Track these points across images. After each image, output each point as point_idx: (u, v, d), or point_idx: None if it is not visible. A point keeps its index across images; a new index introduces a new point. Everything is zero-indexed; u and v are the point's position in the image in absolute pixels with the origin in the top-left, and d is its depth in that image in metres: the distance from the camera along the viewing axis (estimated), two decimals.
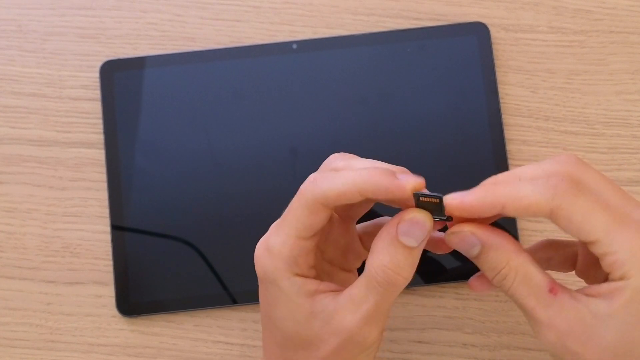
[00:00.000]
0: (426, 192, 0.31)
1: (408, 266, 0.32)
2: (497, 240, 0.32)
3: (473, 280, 0.36)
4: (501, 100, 0.48)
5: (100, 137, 0.49)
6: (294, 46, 0.49)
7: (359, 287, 0.32)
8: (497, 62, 0.49)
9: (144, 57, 0.49)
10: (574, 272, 0.37)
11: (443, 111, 0.48)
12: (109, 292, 0.47)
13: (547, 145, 0.48)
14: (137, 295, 0.46)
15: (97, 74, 0.49)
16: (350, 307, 0.32)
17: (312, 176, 0.33)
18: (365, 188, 0.31)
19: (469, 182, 0.47)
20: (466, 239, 0.32)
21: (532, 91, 0.49)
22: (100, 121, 0.49)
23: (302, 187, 0.33)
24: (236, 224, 0.47)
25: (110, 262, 0.47)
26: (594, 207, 0.30)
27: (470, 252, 0.32)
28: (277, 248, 0.33)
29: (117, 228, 0.47)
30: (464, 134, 0.47)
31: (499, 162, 0.47)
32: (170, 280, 0.46)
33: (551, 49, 0.49)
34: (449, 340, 0.46)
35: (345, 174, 0.32)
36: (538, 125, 0.48)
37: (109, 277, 0.47)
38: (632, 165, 0.48)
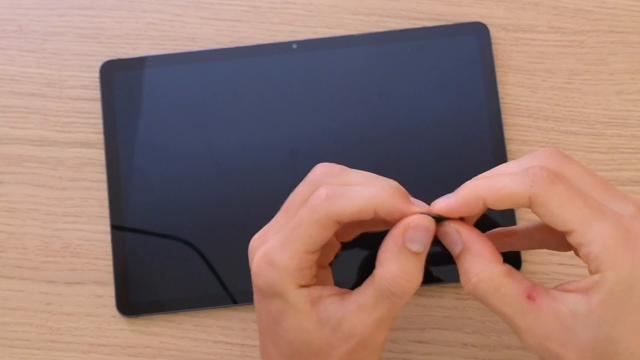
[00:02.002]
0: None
1: (417, 272, 0.32)
2: (477, 246, 0.32)
3: None
4: (501, 100, 0.48)
5: (100, 137, 0.49)
6: (294, 46, 0.49)
7: (367, 296, 0.32)
8: (497, 62, 0.49)
9: (144, 57, 0.49)
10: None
11: (443, 111, 0.48)
12: (109, 292, 0.47)
13: (547, 145, 0.48)
14: (137, 295, 0.46)
15: (97, 74, 0.49)
16: (359, 314, 0.32)
17: (321, 191, 0.32)
18: (383, 208, 0.31)
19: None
20: (450, 235, 0.32)
21: (532, 91, 0.49)
22: (100, 121, 0.49)
23: (312, 202, 0.32)
24: (236, 224, 0.47)
25: (110, 262, 0.47)
26: (571, 197, 0.30)
27: (453, 249, 0.33)
28: (284, 262, 0.32)
29: (117, 228, 0.47)
30: (463, 133, 0.47)
31: (499, 162, 0.47)
32: (170, 280, 0.46)
33: (551, 49, 0.49)
34: (449, 340, 0.46)
35: (362, 191, 0.32)
36: (538, 125, 0.48)
37: (109, 277, 0.47)
38: (632, 165, 0.48)
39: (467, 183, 0.33)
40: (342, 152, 0.47)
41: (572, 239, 0.31)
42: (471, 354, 0.46)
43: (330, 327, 0.33)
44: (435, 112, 0.48)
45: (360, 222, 0.36)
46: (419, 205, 0.32)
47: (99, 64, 0.49)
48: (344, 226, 0.37)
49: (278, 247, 0.33)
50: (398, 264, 0.32)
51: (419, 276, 0.32)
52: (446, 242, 0.33)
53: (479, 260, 0.32)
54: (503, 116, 0.48)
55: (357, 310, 0.32)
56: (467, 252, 0.32)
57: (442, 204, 0.32)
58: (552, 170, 0.31)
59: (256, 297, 0.35)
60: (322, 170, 0.34)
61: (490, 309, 0.32)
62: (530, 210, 0.31)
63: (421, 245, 0.32)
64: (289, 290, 0.32)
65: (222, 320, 0.47)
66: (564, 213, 0.30)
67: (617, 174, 0.48)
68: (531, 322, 0.31)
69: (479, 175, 0.33)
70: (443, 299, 0.47)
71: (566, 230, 0.30)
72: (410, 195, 0.33)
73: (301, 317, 0.33)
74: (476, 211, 0.32)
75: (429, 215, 0.32)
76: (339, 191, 0.32)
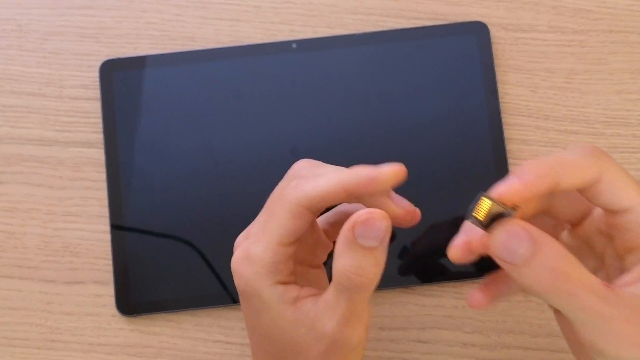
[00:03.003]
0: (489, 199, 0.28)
1: (372, 267, 0.30)
2: (546, 235, 0.28)
3: (476, 294, 0.34)
4: (501, 100, 0.48)
5: (100, 137, 0.49)
6: (294, 46, 0.49)
7: (331, 292, 0.32)
8: (496, 62, 0.49)
9: (143, 57, 0.49)
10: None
11: (443, 110, 0.48)
12: (108, 292, 0.47)
13: (547, 145, 0.48)
14: (137, 295, 0.46)
15: (97, 74, 0.49)
16: (327, 312, 0.32)
17: (292, 182, 0.32)
18: (351, 183, 0.31)
19: (469, 181, 0.47)
20: (517, 233, 0.28)
21: (531, 90, 0.49)
22: (100, 121, 0.49)
23: (281, 192, 0.32)
24: (236, 224, 0.47)
25: (110, 262, 0.47)
26: (630, 177, 0.30)
27: (517, 254, 0.28)
28: (258, 255, 0.32)
29: (117, 227, 0.47)
30: (463, 133, 0.47)
31: (498, 161, 0.47)
32: (170, 280, 0.46)
33: (551, 49, 0.49)
34: (449, 340, 0.46)
35: (329, 175, 0.32)
36: (538, 125, 0.48)
37: (109, 276, 0.47)
38: (632, 164, 0.48)
39: (526, 165, 0.29)
40: (342, 151, 0.47)
41: (623, 217, 0.30)
42: (471, 354, 0.46)
43: (305, 326, 0.32)
44: (435, 111, 0.48)
45: (344, 215, 0.36)
46: (385, 166, 0.32)
47: (99, 63, 0.49)
48: (333, 223, 0.37)
49: (253, 241, 0.32)
50: (349, 258, 0.30)
51: (374, 270, 0.31)
52: (511, 246, 0.28)
53: (558, 248, 0.28)
54: (503, 115, 0.48)
55: (325, 307, 0.32)
56: (543, 245, 0.28)
57: (503, 187, 0.28)
58: (604, 151, 0.31)
59: (239, 295, 0.34)
60: (300, 165, 0.34)
61: (569, 305, 0.28)
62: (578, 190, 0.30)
63: (375, 240, 0.30)
64: (263, 287, 0.32)
65: (222, 319, 0.47)
66: (627, 190, 0.30)
67: None
68: (621, 307, 0.28)
69: (527, 163, 0.30)
70: (442, 298, 0.47)
71: (623, 208, 0.30)
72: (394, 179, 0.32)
73: (277, 316, 0.32)
74: (544, 193, 0.29)
75: (499, 212, 0.27)
76: (307, 178, 0.32)
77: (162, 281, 0.46)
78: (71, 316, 0.47)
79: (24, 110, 0.49)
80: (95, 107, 0.49)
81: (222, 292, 0.46)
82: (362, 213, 0.30)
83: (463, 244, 0.32)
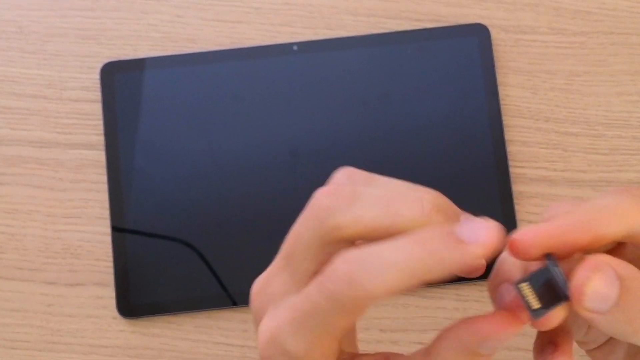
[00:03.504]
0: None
1: None
2: (634, 269, 0.23)
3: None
4: (501, 102, 0.48)
5: (100, 139, 0.49)
6: (295, 48, 0.49)
7: None
8: (497, 64, 0.49)
9: (144, 59, 0.49)
10: None
11: (443, 113, 0.48)
12: (109, 294, 0.47)
13: (548, 147, 0.48)
14: (137, 297, 0.46)
15: (98, 76, 0.49)
16: None
17: (339, 269, 0.22)
18: (426, 272, 0.22)
19: (470, 183, 0.47)
20: (610, 276, 0.23)
21: (532, 92, 0.49)
22: (101, 123, 0.49)
23: (328, 285, 0.23)
24: (237, 226, 0.47)
25: (111, 264, 0.47)
26: None
27: (607, 302, 0.23)
28: (300, 354, 0.24)
29: (118, 229, 0.47)
30: (464, 135, 0.47)
31: (499, 164, 0.47)
32: (170, 282, 0.46)
33: (551, 50, 0.49)
34: None
35: (393, 259, 0.22)
36: (538, 127, 0.48)
37: (110, 278, 0.47)
38: (632, 166, 0.48)
39: (555, 216, 0.24)
40: (343, 154, 0.47)
41: None
42: None
43: None
44: (436, 113, 0.48)
45: None
46: (473, 243, 0.22)
47: (100, 65, 0.49)
48: None
49: (289, 331, 0.24)
50: None
51: None
52: (603, 292, 0.23)
53: None
54: (503, 117, 0.48)
55: None
56: (633, 288, 0.23)
57: (551, 227, 0.23)
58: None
59: None
60: (341, 177, 0.25)
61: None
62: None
63: (492, 349, 0.23)
64: None
65: (222, 321, 0.47)
66: None
67: (617, 176, 0.48)
68: None
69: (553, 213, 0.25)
70: (444, 300, 0.47)
71: None
72: (463, 228, 0.23)
73: None
74: (579, 248, 0.23)
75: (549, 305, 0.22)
76: (361, 265, 0.22)
77: (163, 283, 0.46)
78: (72, 318, 0.47)
79: (24, 112, 0.49)
80: (96, 109, 0.49)
81: (223, 294, 0.46)
82: (496, 321, 0.23)
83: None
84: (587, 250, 0.24)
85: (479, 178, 0.47)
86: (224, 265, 0.46)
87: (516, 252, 0.23)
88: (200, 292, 0.46)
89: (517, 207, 0.47)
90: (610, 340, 0.29)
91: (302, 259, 0.25)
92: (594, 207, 0.24)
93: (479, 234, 0.22)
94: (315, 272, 0.24)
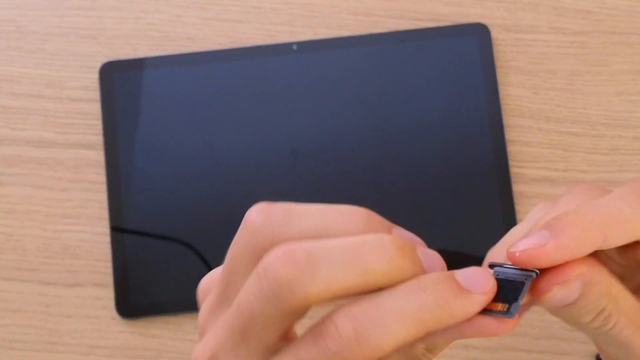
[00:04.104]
0: (503, 271, 0.23)
1: None
2: (597, 271, 0.24)
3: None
4: (502, 101, 0.48)
5: (99, 139, 0.48)
6: (294, 47, 0.49)
7: None
8: (497, 63, 0.49)
9: (143, 58, 0.49)
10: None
11: (444, 112, 0.48)
12: (108, 294, 0.47)
13: (549, 147, 0.48)
14: (136, 297, 0.46)
15: (97, 75, 0.49)
16: None
17: (345, 327, 0.21)
18: (435, 322, 0.21)
19: (470, 183, 0.47)
20: (573, 286, 0.23)
21: (533, 92, 0.49)
22: (100, 122, 0.49)
23: (335, 347, 0.21)
24: (236, 226, 0.46)
25: (110, 264, 0.47)
26: None
27: (569, 300, 0.23)
28: None
29: (117, 229, 0.47)
30: (464, 135, 0.47)
31: (499, 164, 0.47)
32: (169, 282, 0.46)
33: (552, 50, 0.49)
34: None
35: (400, 309, 0.21)
36: (539, 126, 0.48)
37: (109, 278, 0.47)
38: (633, 166, 0.48)
39: (559, 222, 0.23)
40: (342, 153, 0.47)
41: None
42: (472, 356, 0.46)
43: None
44: (436, 113, 0.48)
45: None
46: (477, 291, 0.21)
47: (99, 64, 0.49)
48: None
49: None
50: None
51: None
52: (564, 299, 0.23)
53: (605, 283, 0.24)
54: (504, 117, 0.48)
55: None
56: (592, 285, 0.23)
57: (532, 251, 0.22)
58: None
59: None
60: (284, 267, 0.22)
61: (616, 339, 0.25)
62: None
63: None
64: None
65: None
66: None
67: (618, 176, 0.48)
68: None
69: (556, 216, 0.24)
70: None
71: None
72: (465, 281, 0.22)
73: None
74: (582, 255, 0.23)
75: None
76: (369, 319, 0.21)
77: (162, 283, 0.46)
78: (70, 318, 0.47)
79: (23, 112, 0.49)
80: (95, 109, 0.49)
81: None
82: None
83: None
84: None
85: (479, 178, 0.47)
86: None
87: (520, 265, 0.23)
88: None
89: (517, 207, 0.47)
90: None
91: (263, 333, 0.22)
92: (603, 213, 0.23)
93: (478, 282, 0.22)
94: (281, 339, 0.22)
